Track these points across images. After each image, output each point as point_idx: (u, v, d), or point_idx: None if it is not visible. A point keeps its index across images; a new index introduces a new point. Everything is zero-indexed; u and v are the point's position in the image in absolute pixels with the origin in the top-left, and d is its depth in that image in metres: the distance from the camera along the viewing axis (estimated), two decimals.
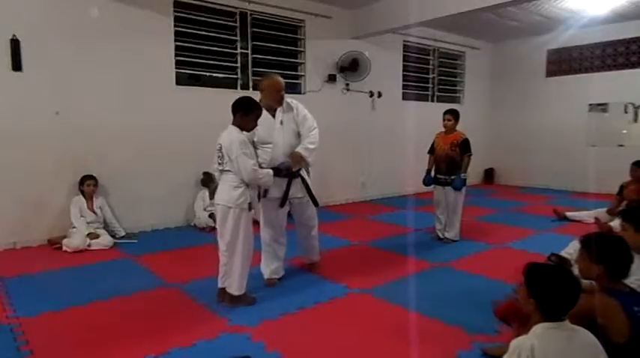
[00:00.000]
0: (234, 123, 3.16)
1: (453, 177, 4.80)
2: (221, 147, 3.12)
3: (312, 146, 3.52)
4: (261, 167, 3.29)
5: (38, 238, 4.84)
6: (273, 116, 3.52)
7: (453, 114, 4.89)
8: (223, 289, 3.25)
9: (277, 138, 3.48)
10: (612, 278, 2.05)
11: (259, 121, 3.27)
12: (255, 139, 3.46)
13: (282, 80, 3.58)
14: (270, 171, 3.28)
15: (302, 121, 3.59)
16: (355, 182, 7.62)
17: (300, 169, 3.57)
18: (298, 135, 3.58)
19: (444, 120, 4.91)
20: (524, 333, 1.82)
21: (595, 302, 1.99)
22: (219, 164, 3.17)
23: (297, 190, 3.59)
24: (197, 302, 3.30)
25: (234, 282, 3.18)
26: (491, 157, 10.07)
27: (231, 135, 3.08)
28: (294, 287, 3.56)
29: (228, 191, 3.11)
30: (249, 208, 3.15)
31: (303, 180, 3.63)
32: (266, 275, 3.68)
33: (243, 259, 3.17)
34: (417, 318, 3.01)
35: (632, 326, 1.93)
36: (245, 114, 3.13)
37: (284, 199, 3.54)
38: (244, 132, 3.18)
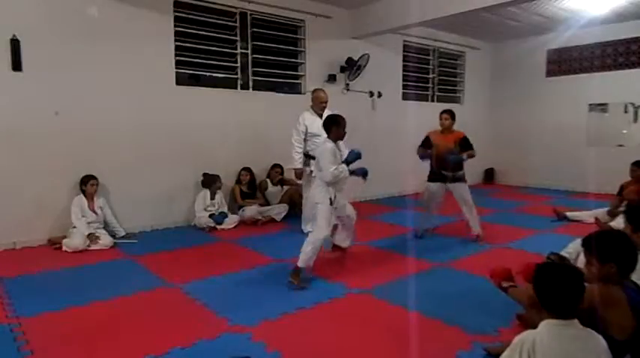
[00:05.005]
0: (330, 137, 3.94)
1: (460, 173, 4.92)
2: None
3: None
4: (307, 155, 4.90)
5: (38, 238, 4.84)
6: (320, 117, 5.01)
7: (451, 114, 4.99)
8: (338, 246, 4.33)
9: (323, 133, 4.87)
10: (623, 275, 2.00)
11: (312, 121, 5.08)
12: (309, 131, 5.10)
13: (325, 94, 5.24)
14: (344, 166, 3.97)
15: None
16: (355, 182, 7.58)
17: None
18: None
19: (441, 119, 4.99)
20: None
21: (597, 293, 1.93)
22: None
23: None
24: (197, 302, 3.30)
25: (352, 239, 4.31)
26: (491, 157, 10.06)
27: (324, 145, 3.90)
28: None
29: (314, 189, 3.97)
30: (331, 203, 3.91)
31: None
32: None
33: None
34: (416, 318, 3.01)
35: (636, 321, 1.90)
36: (338, 127, 3.94)
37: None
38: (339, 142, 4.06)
